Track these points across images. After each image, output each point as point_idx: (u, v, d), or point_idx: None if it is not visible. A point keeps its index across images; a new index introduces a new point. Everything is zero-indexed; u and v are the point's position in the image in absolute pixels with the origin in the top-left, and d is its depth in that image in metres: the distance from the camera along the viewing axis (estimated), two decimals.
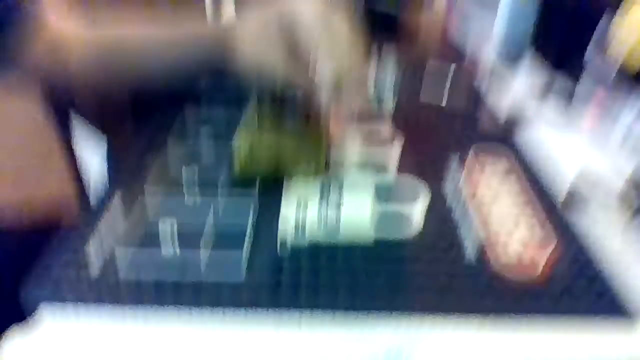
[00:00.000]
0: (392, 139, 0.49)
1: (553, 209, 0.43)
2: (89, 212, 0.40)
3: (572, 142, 0.54)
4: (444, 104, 0.62)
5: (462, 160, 0.49)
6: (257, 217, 0.42)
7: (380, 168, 0.48)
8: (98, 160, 0.69)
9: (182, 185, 0.45)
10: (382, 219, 0.41)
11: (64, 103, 0.60)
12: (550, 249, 0.37)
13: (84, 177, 0.64)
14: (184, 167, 0.47)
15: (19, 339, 0.31)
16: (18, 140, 0.53)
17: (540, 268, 0.37)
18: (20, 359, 0.30)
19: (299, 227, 0.40)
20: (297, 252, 0.38)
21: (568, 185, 0.46)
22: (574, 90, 0.59)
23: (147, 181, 0.45)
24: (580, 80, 0.58)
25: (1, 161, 0.51)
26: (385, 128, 0.53)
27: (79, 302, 0.33)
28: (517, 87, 0.66)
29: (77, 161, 0.63)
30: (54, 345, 0.31)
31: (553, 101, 0.59)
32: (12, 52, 0.45)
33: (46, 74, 0.48)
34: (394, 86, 0.65)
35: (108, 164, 0.70)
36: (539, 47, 0.68)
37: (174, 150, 0.50)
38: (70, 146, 0.62)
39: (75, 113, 0.65)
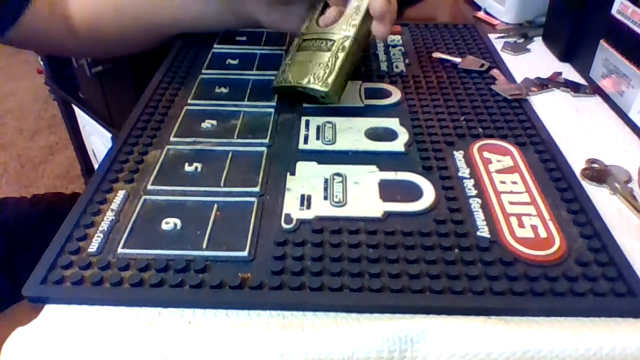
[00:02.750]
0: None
1: (567, 189, 0.41)
2: (93, 208, 0.39)
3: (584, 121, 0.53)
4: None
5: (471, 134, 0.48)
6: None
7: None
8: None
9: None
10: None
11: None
12: (564, 227, 0.36)
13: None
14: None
15: (22, 339, 0.30)
16: None
17: (556, 244, 0.36)
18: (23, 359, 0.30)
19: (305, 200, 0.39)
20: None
21: (583, 165, 0.45)
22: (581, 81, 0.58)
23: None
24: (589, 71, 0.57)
25: None
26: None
27: (83, 303, 0.33)
28: (528, 63, 0.65)
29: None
30: (58, 345, 0.30)
31: (560, 90, 0.57)
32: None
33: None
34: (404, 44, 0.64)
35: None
36: (548, 37, 0.67)
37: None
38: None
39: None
